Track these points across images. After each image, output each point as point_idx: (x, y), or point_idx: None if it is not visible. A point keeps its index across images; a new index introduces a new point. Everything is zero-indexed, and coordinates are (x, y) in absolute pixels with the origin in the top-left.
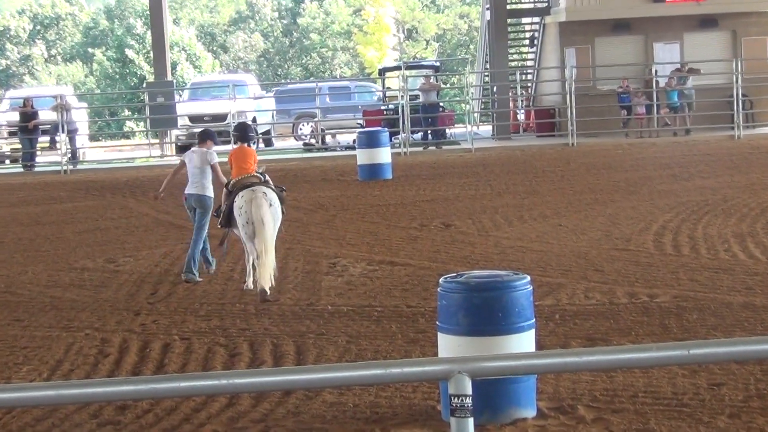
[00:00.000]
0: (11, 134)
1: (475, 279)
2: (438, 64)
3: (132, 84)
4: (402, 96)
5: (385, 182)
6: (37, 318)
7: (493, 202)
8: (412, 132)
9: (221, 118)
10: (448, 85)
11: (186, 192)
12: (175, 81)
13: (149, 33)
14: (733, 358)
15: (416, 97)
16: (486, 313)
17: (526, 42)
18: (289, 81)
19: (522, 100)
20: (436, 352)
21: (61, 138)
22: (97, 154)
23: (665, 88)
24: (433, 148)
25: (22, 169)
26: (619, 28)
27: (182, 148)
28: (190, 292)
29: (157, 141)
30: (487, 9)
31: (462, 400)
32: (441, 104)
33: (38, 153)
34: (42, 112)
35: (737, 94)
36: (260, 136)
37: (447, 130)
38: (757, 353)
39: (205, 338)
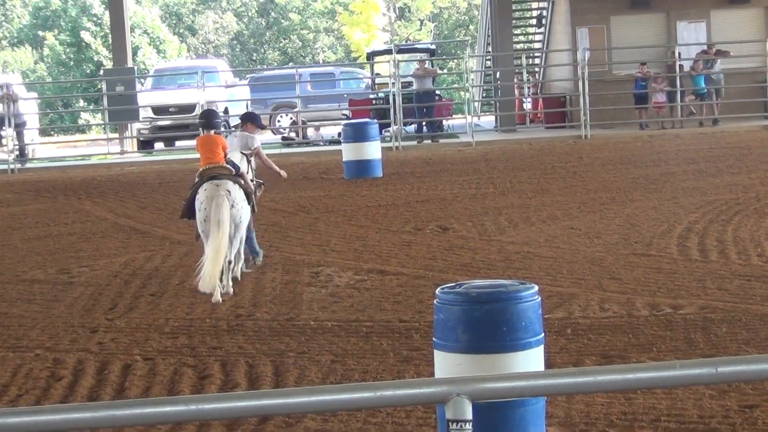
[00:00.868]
0: None
1: (476, 289)
2: (434, 47)
3: (88, 71)
4: (393, 83)
5: (375, 181)
6: None
7: (496, 202)
8: (405, 124)
9: (189, 109)
10: (445, 71)
11: None
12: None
13: (107, 13)
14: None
15: (409, 84)
16: (488, 328)
17: (533, 21)
18: (265, 67)
19: (528, 87)
20: (433, 372)
21: (8, 133)
22: (48, 150)
23: (690, 73)
24: (429, 141)
25: None
26: (637, 4)
27: (144, 144)
28: (153, 307)
29: (117, 136)
30: None
31: (461, 426)
32: (437, 92)
33: None
34: None
35: None
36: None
37: (444, 122)
38: None
39: (170, 358)
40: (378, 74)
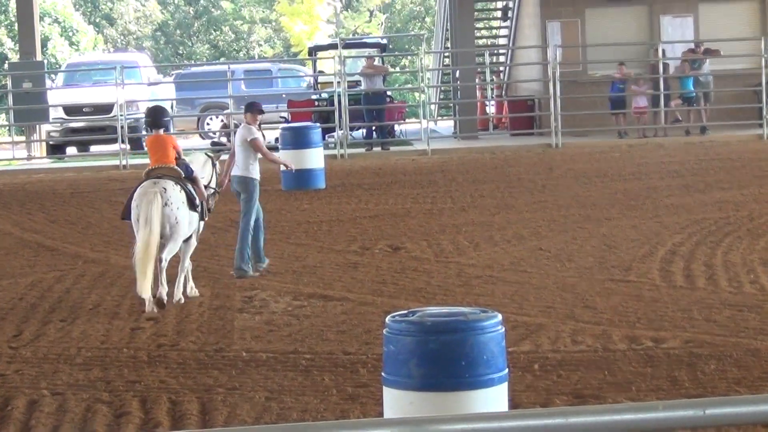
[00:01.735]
0: None
1: (432, 318)
2: (385, 41)
3: None
4: (338, 82)
5: (317, 193)
6: None
7: (454, 219)
8: (352, 129)
9: (106, 109)
10: (397, 69)
11: (231, 174)
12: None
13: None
14: (760, 420)
15: (357, 83)
16: (445, 362)
17: (498, 14)
18: (193, 63)
19: (492, 89)
20: (381, 411)
21: None
22: None
23: (675, 75)
24: (379, 149)
25: None
26: None
27: (54, 149)
28: (64, 334)
29: (23, 139)
30: None
31: None
32: (388, 93)
33: None
34: None
35: (766, 82)
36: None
37: (396, 127)
38: None
39: (83, 393)
40: (321, 72)
